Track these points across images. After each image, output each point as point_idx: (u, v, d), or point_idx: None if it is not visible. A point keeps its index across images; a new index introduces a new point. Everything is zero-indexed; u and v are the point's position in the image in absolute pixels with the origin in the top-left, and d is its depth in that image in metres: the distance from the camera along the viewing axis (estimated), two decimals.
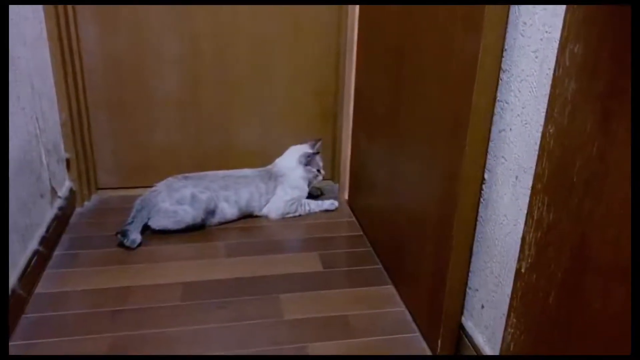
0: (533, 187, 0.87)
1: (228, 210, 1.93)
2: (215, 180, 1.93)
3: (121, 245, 1.74)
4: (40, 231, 1.63)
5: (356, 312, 1.48)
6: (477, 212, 1.19)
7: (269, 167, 2.07)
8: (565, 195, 0.77)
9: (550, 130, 0.80)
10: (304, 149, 2.08)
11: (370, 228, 1.87)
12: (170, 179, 1.89)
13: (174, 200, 1.83)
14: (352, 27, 1.91)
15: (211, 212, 1.88)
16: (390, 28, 1.57)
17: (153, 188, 1.87)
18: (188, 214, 1.84)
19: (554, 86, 0.80)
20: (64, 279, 1.58)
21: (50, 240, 1.68)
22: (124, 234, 1.74)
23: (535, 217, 0.84)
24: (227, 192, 1.92)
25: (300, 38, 2.08)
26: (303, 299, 1.53)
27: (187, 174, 1.92)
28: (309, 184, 2.09)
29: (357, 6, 1.87)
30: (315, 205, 2.07)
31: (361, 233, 1.92)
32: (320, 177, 2.10)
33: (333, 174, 2.29)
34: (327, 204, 2.09)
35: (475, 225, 1.20)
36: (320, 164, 2.09)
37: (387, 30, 1.60)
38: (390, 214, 1.64)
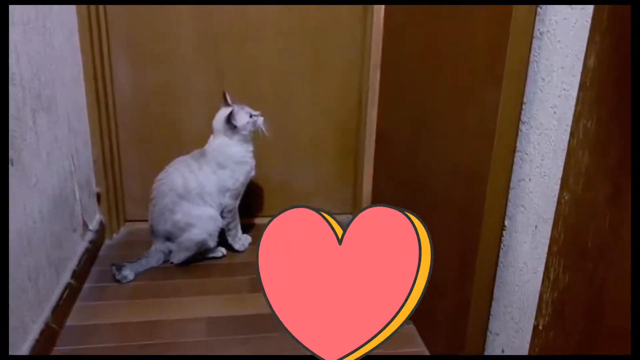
0: (550, 249, 0.89)
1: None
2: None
3: (113, 278, 1.78)
4: (72, 264, 1.69)
5: (377, 352, 1.48)
6: (498, 257, 1.21)
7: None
8: (580, 260, 0.80)
9: (566, 197, 0.83)
10: (222, 114, 1.87)
11: None
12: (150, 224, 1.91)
13: (166, 241, 1.87)
14: (375, 67, 1.96)
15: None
16: (412, 71, 1.62)
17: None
18: (192, 238, 1.85)
19: (568, 156, 0.83)
20: (94, 312, 1.63)
21: (81, 273, 1.74)
22: (119, 268, 1.78)
23: (551, 278, 0.87)
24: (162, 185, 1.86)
25: (323, 75, 2.13)
26: None
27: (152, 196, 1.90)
28: (252, 132, 1.90)
29: (380, 45, 1.92)
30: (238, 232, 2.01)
31: None
32: (260, 119, 1.89)
33: (354, 210, 2.32)
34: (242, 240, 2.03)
35: (496, 270, 1.23)
36: (247, 109, 1.88)
37: (409, 73, 1.65)
38: None
